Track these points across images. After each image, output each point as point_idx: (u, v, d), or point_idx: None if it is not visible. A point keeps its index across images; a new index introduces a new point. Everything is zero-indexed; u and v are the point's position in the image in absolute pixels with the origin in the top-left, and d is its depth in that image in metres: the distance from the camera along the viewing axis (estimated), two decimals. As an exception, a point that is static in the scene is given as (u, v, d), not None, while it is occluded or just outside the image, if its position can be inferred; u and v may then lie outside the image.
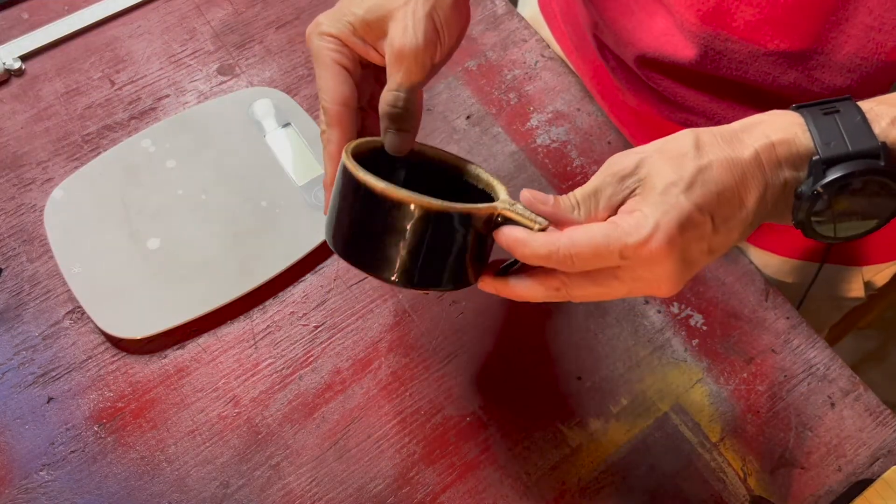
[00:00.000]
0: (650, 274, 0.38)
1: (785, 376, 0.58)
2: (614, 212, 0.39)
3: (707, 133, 0.39)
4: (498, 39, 0.72)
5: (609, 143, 0.67)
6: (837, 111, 0.39)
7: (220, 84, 0.68)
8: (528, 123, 0.68)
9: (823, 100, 0.40)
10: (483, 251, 0.42)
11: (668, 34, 0.55)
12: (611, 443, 0.56)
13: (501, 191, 0.42)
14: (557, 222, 0.39)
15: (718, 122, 0.58)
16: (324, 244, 0.59)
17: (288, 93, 0.67)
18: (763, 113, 0.41)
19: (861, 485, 0.54)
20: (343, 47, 0.44)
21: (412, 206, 0.38)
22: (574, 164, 0.66)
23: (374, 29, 0.44)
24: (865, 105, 0.39)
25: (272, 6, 0.72)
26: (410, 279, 0.41)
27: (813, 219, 0.39)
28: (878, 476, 0.54)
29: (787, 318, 0.60)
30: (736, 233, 0.39)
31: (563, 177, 0.65)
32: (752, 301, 0.61)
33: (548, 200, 0.39)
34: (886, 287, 0.73)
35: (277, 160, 0.63)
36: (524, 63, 0.71)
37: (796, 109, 0.40)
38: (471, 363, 0.58)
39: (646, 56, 0.57)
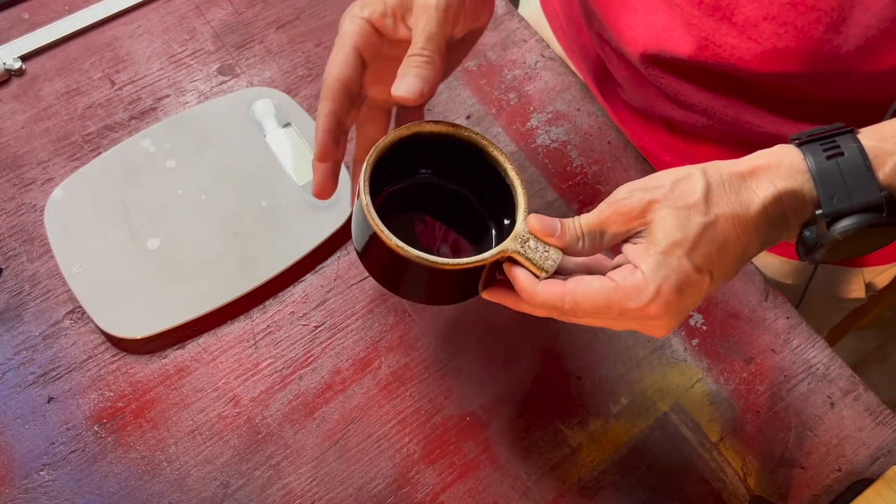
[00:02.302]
0: (645, 326, 0.40)
1: (785, 376, 0.58)
2: (618, 244, 0.41)
3: (716, 176, 0.40)
4: (498, 39, 0.72)
5: (609, 143, 0.67)
6: (841, 153, 0.39)
7: (220, 84, 0.68)
8: (528, 123, 0.68)
9: (824, 133, 0.40)
10: (493, 277, 0.44)
11: (669, 29, 0.55)
12: (611, 443, 0.56)
13: (520, 204, 0.43)
14: (564, 251, 0.41)
15: (720, 121, 0.58)
16: (324, 244, 0.60)
17: (288, 93, 0.67)
18: (768, 150, 0.41)
19: (861, 484, 0.54)
20: (370, 33, 0.45)
21: (423, 264, 0.40)
22: (574, 164, 0.66)
23: (406, 4, 0.45)
24: (869, 142, 0.39)
25: (272, 6, 0.72)
26: (421, 301, 0.47)
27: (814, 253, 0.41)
28: (878, 476, 0.54)
29: (787, 318, 0.60)
30: (732, 273, 0.41)
31: (563, 177, 0.65)
32: (752, 301, 0.61)
33: (555, 230, 0.40)
34: (887, 288, 0.73)
35: (277, 160, 0.63)
36: (524, 63, 0.71)
37: (799, 146, 0.40)
38: (471, 363, 0.58)
39: (647, 53, 0.57)
